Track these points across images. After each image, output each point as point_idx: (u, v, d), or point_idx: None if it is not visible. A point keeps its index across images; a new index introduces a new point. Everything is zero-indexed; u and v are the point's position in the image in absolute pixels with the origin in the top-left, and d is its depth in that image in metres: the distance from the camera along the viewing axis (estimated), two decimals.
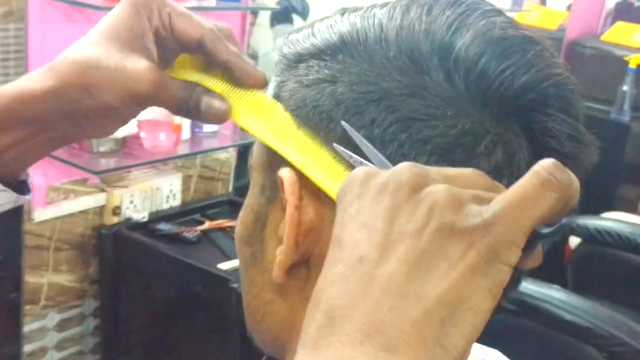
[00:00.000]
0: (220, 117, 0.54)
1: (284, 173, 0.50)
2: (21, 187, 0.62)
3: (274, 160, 0.52)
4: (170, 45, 0.56)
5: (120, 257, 1.90)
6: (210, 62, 0.55)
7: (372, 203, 0.39)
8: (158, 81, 0.53)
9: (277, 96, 0.53)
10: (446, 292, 0.36)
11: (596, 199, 2.87)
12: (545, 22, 3.38)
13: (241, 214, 0.56)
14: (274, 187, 0.51)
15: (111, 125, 0.59)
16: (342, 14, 0.52)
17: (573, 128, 0.47)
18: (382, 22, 0.49)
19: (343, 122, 0.47)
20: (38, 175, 1.75)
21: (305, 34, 0.52)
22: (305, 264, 0.50)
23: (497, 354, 0.72)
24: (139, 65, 0.53)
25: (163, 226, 1.92)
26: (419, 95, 0.46)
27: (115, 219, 1.92)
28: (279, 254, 0.49)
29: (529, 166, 0.46)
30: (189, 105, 0.54)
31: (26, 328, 1.86)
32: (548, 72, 0.46)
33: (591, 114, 2.54)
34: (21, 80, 0.56)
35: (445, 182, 0.39)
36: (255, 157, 0.55)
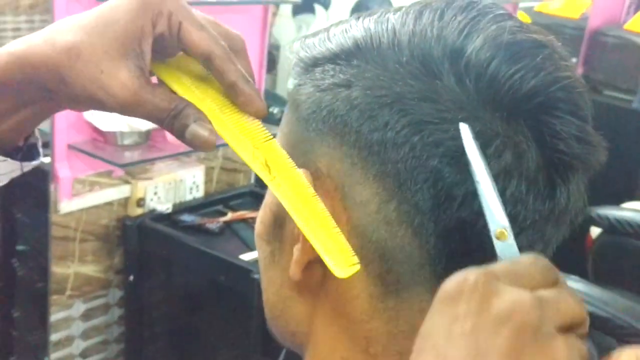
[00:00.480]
0: (203, 149, 0.52)
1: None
2: (31, 153, 0.61)
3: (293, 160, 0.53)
4: (173, 49, 0.53)
5: (144, 248, 1.93)
6: (216, 78, 0.53)
7: (491, 330, 0.38)
8: (131, 102, 0.51)
9: (293, 99, 0.54)
10: None
11: (617, 188, 2.86)
12: (568, 10, 3.36)
13: (260, 212, 0.57)
14: None
15: (85, 109, 0.57)
16: (357, 19, 0.53)
17: (581, 130, 0.48)
18: (395, 27, 0.50)
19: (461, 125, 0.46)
20: (64, 167, 1.78)
21: (321, 38, 0.53)
22: (321, 262, 0.51)
23: None
24: (114, 80, 0.50)
25: (186, 217, 1.95)
26: (430, 99, 0.47)
27: (139, 211, 1.95)
28: (296, 253, 0.51)
29: (538, 167, 0.47)
30: (172, 127, 0.52)
31: (53, 317, 1.90)
32: (557, 75, 0.48)
33: (613, 103, 2.53)
34: (18, 44, 0.52)
35: (559, 321, 0.40)
36: None
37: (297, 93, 0.54)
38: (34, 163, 0.61)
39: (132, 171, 1.94)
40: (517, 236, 0.46)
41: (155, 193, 1.96)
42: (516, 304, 0.39)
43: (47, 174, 1.76)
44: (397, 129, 0.48)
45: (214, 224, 1.92)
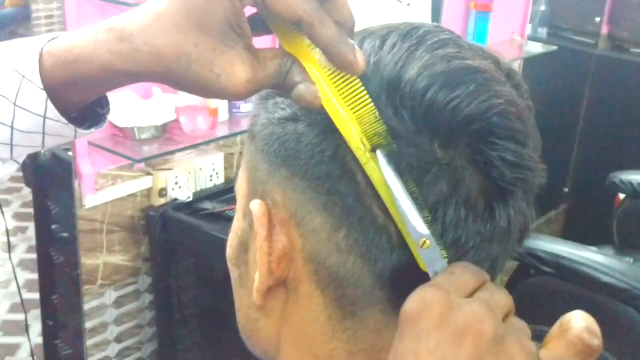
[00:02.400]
0: (307, 107, 0.51)
1: (254, 206, 0.53)
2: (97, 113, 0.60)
3: (252, 188, 0.55)
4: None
5: (168, 237, 1.98)
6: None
7: (453, 344, 0.42)
8: (253, 90, 0.51)
9: (251, 129, 0.55)
10: None
11: None
12: None
13: (229, 236, 0.59)
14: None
15: None
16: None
17: (516, 155, 0.48)
18: None
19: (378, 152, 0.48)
20: (86, 164, 1.83)
21: None
22: (283, 285, 0.54)
23: None
24: (234, 79, 0.50)
25: (207, 204, 1.98)
26: None
27: (162, 200, 2.00)
28: (256, 279, 0.53)
29: (477, 192, 0.48)
30: (282, 87, 0.51)
31: (86, 306, 1.97)
32: (491, 102, 0.48)
33: (637, 61, 2.48)
34: (101, 45, 0.50)
35: (500, 313, 0.45)
36: (238, 182, 0.58)
37: (254, 124, 0.55)
38: (92, 130, 0.59)
39: (153, 162, 1.98)
40: (461, 257, 0.49)
41: (176, 182, 2.01)
42: (472, 315, 0.43)
43: (71, 169, 1.82)
44: (340, 160, 0.49)
45: (233, 211, 1.95)
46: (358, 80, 0.49)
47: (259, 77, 0.50)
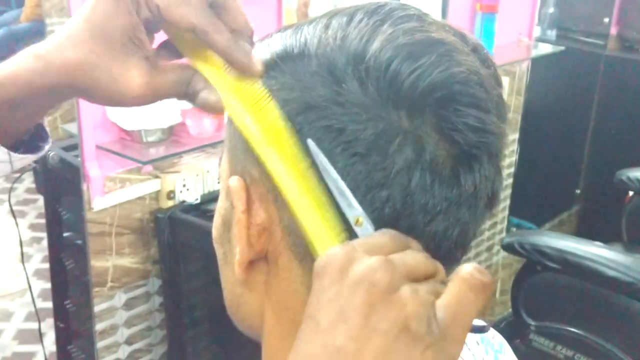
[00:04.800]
0: (212, 113, 0.56)
1: (232, 181, 0.55)
2: (34, 146, 0.67)
3: (232, 167, 0.57)
4: (164, 26, 0.57)
5: (177, 239, 2.00)
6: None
7: (349, 293, 0.44)
8: (151, 94, 0.56)
9: None
10: None
11: None
12: None
13: (214, 217, 0.62)
14: None
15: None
16: (279, 31, 0.57)
17: (479, 120, 0.51)
18: (306, 38, 0.54)
19: (309, 141, 0.51)
20: (94, 167, 1.86)
21: None
22: (265, 259, 0.56)
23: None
24: (131, 82, 0.55)
25: (215, 206, 2.00)
26: (338, 105, 0.50)
27: (170, 203, 2.02)
28: (237, 254, 0.56)
29: (443, 157, 0.50)
30: (186, 96, 0.56)
31: (96, 308, 1.99)
32: (452, 71, 0.50)
33: None
34: (21, 66, 0.57)
35: (408, 274, 0.46)
36: (221, 164, 0.60)
37: None
38: (31, 157, 0.66)
39: (161, 165, 2.00)
40: (430, 222, 0.51)
41: (184, 185, 2.03)
42: (368, 267, 0.45)
43: (79, 173, 1.85)
44: (310, 134, 0.51)
45: None
46: (259, 81, 0.53)
47: (155, 83, 0.56)
